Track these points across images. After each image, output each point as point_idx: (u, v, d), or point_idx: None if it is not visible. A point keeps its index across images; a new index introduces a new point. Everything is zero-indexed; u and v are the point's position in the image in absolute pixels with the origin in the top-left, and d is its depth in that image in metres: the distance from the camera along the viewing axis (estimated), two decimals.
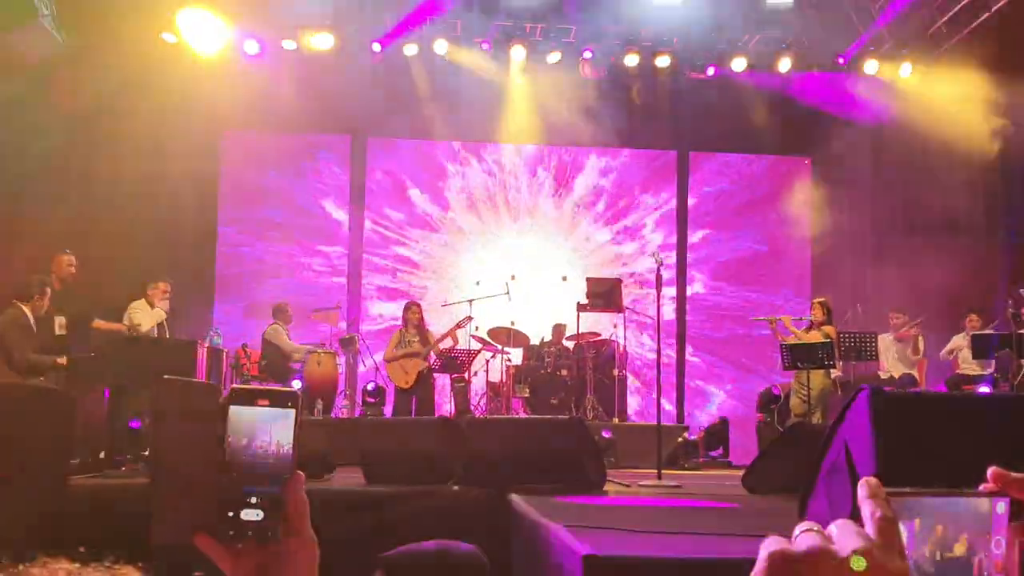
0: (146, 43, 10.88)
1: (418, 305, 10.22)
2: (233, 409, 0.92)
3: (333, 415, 10.12)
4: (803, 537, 0.66)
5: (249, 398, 0.92)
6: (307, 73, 11.52)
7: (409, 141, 12.53)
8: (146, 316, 8.57)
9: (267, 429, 0.91)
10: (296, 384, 9.86)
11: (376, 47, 11.36)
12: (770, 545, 0.66)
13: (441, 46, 11.45)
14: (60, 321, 7.65)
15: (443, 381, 10.91)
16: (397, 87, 11.74)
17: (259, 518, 0.90)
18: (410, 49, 11.49)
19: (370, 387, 10.47)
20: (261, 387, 0.97)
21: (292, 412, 0.92)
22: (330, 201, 12.45)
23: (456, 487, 5.88)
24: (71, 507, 4.96)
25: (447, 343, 10.11)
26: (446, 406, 10.77)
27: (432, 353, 10.06)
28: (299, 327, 10.69)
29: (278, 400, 0.93)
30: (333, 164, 12.48)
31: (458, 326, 10.07)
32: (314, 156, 12.43)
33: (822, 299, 9.53)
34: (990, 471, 0.72)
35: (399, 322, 10.41)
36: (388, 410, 10.27)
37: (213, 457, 0.91)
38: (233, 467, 0.90)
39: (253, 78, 11.40)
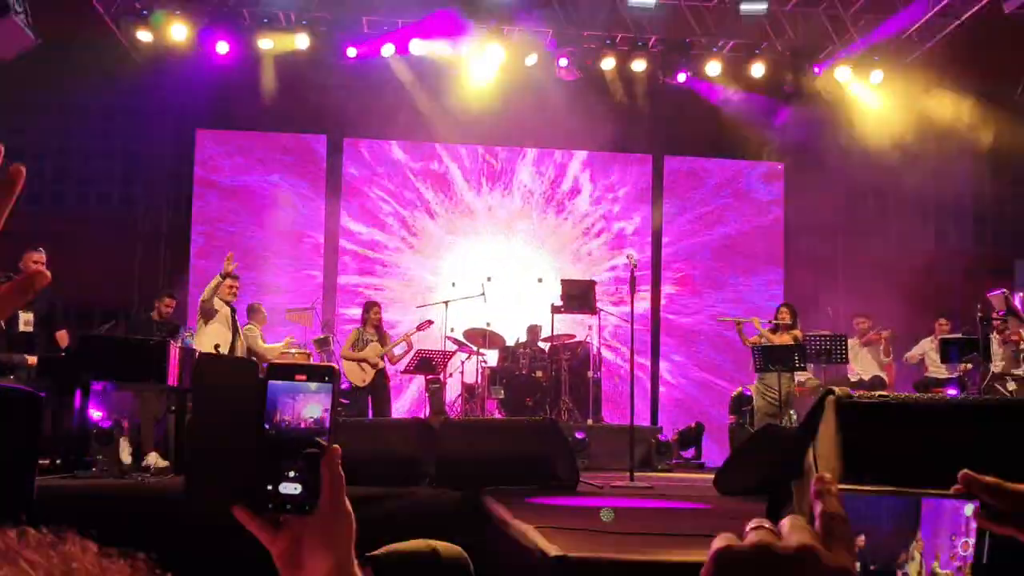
0: (117, 41, 10.79)
1: (379, 305, 10.15)
2: (271, 384, 0.93)
3: None
4: (751, 534, 0.67)
5: (287, 373, 0.93)
6: (283, 72, 11.49)
7: (386, 142, 12.50)
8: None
9: (304, 403, 0.93)
10: None
11: (351, 51, 11.30)
12: (718, 542, 0.67)
13: (417, 46, 11.44)
14: (26, 318, 7.56)
15: (418, 382, 10.89)
16: (374, 87, 11.72)
17: (297, 491, 0.90)
18: (387, 49, 11.46)
19: (344, 387, 10.43)
20: (299, 362, 0.98)
21: (329, 387, 0.94)
22: (305, 201, 12.40)
23: (429, 488, 5.89)
24: (36, 509, 4.91)
25: (402, 347, 10.03)
26: (422, 408, 10.76)
27: (391, 353, 9.98)
28: (275, 327, 10.63)
29: (315, 375, 0.94)
30: (308, 163, 12.43)
31: (417, 329, 10.01)
32: (289, 155, 12.37)
33: (789, 303, 9.69)
34: (960, 474, 0.73)
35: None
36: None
37: (251, 431, 0.92)
38: (271, 441, 0.92)
39: (227, 77, 11.35)
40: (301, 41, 11.29)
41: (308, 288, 12.03)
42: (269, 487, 0.90)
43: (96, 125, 11.72)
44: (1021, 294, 8.79)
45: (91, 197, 12.25)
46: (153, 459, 7.50)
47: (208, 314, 8.59)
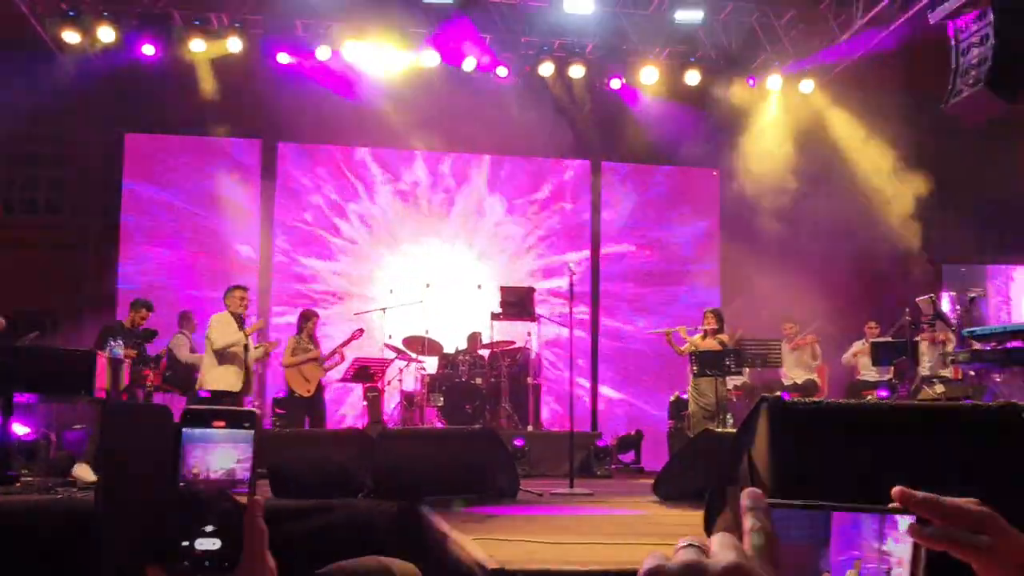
0: (43, 42, 10.49)
1: (317, 316, 9.98)
2: (187, 432, 0.87)
3: None
4: (680, 553, 0.66)
5: (203, 419, 0.87)
6: (216, 76, 11.28)
7: (322, 147, 12.35)
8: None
9: (223, 452, 0.87)
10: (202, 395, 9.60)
11: (282, 57, 11.14)
12: (648, 561, 0.66)
13: (351, 50, 11.33)
14: None
15: (357, 391, 10.75)
16: (309, 91, 11.57)
17: (216, 547, 0.85)
18: (322, 52, 11.33)
19: (280, 399, 10.24)
20: (217, 408, 0.91)
21: (250, 433, 0.88)
22: (239, 207, 12.18)
23: (367, 500, 5.79)
24: None
25: (334, 359, 9.89)
26: (361, 417, 10.62)
27: (325, 364, 9.83)
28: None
29: (234, 420, 0.88)
30: (242, 168, 12.21)
31: (349, 340, 9.88)
32: (222, 160, 12.13)
33: (715, 308, 9.84)
34: (895, 490, 0.72)
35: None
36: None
37: (165, 483, 0.86)
38: (187, 493, 0.86)
39: (157, 79, 11.11)
40: (233, 44, 11.10)
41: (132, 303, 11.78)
42: (185, 543, 0.84)
43: (21, 128, 11.36)
44: (951, 295, 9.01)
45: (16, 203, 11.88)
46: (82, 472, 7.26)
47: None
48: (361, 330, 9.99)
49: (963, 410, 3.23)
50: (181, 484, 0.86)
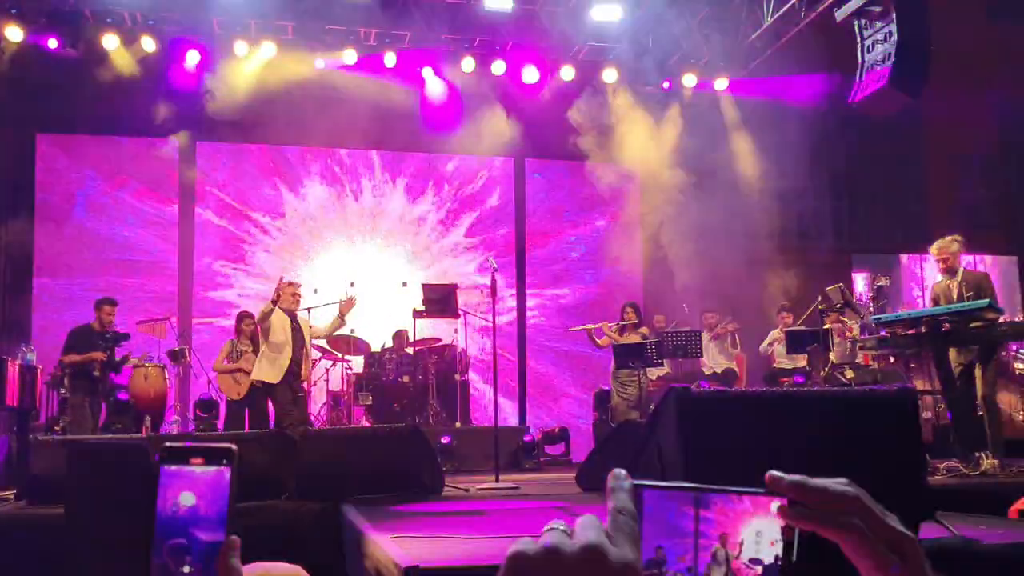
0: None
1: (252, 316, 9.84)
2: (164, 469, 0.87)
3: (163, 431, 9.69)
4: (544, 536, 0.67)
5: (181, 456, 0.86)
6: (131, 74, 11.02)
7: (241, 146, 12.15)
8: None
9: (200, 490, 0.85)
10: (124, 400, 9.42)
11: (193, 56, 10.91)
12: (513, 546, 0.67)
13: (269, 48, 11.18)
14: None
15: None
16: (228, 90, 11.37)
17: None
18: (240, 48, 11.15)
19: (202, 401, 10.08)
20: (194, 444, 0.90)
21: (227, 471, 0.86)
22: (159, 207, 11.92)
23: (289, 502, 5.76)
24: None
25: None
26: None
27: None
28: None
29: (212, 457, 0.87)
30: (160, 168, 11.93)
31: None
32: (139, 160, 11.84)
33: (633, 302, 10.02)
34: (767, 476, 0.74)
35: (232, 333, 10.06)
36: (221, 424, 9.91)
37: (141, 522, 0.85)
38: (164, 532, 0.84)
39: (70, 79, 10.81)
40: (147, 44, 10.85)
41: (161, 299, 11.56)
42: None
43: None
44: (866, 276, 9.26)
45: None
46: None
47: (265, 334, 8.50)
48: None
49: (857, 395, 3.37)
50: (158, 524, 0.86)
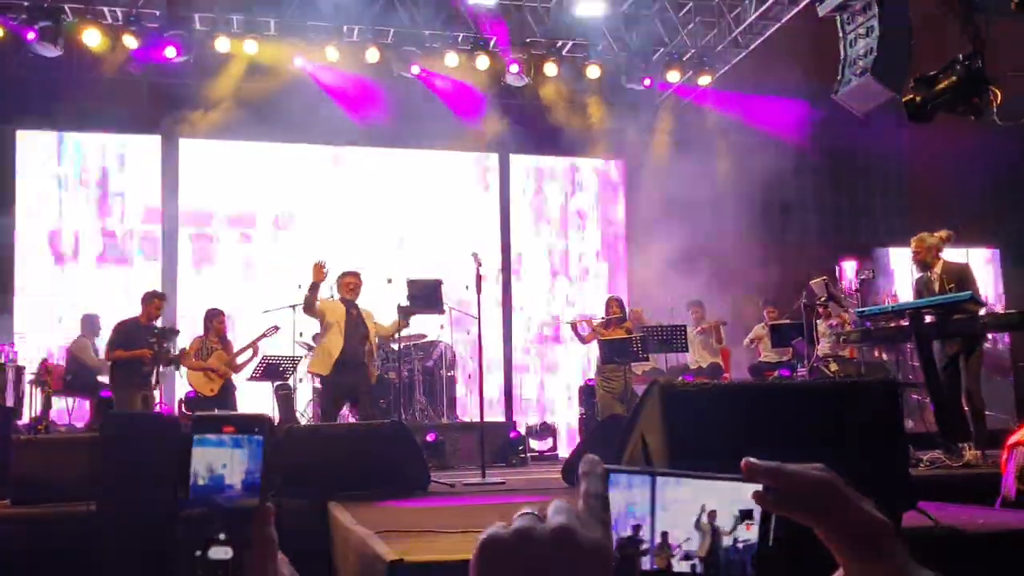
0: None
1: (223, 314, 9.75)
2: (197, 439, 0.86)
3: None
4: (516, 520, 0.69)
5: (213, 426, 0.86)
6: (113, 71, 10.96)
7: (224, 142, 12.08)
8: None
9: (234, 458, 0.85)
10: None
11: (170, 51, 10.82)
12: (485, 531, 0.68)
13: (251, 45, 11.12)
14: None
15: (267, 388, 10.58)
16: (209, 86, 11.33)
17: (228, 556, 0.83)
18: (222, 44, 11.07)
19: (188, 398, 10.01)
20: (226, 413, 0.90)
21: (259, 439, 0.86)
22: (140, 205, 11.85)
23: (275, 499, 5.74)
24: None
25: (247, 355, 9.73)
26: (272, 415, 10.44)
27: (234, 362, 9.61)
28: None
29: (245, 426, 0.87)
30: (142, 164, 11.87)
31: (262, 336, 9.73)
32: (121, 156, 11.78)
33: (617, 296, 10.03)
34: (743, 462, 0.75)
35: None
36: None
37: (175, 492, 0.85)
38: (198, 502, 0.84)
39: (50, 76, 10.74)
40: (129, 40, 10.78)
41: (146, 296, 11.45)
42: (198, 552, 0.83)
43: None
44: (864, 275, 9.28)
45: None
46: None
47: (319, 319, 8.33)
48: (276, 327, 9.84)
49: (840, 386, 3.39)
50: (191, 492, 0.85)
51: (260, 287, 11.82)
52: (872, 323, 7.39)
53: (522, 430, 10.60)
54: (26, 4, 10.25)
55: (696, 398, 3.07)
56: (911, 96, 4.30)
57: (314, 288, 8.13)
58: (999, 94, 6.00)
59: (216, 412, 0.91)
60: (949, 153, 11.32)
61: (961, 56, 4.20)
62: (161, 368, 8.91)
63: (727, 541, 0.75)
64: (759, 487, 0.75)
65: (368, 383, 8.52)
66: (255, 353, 9.74)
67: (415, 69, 11.70)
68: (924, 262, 7.26)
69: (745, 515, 0.76)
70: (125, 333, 8.71)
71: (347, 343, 8.17)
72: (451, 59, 11.77)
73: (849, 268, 11.77)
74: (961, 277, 7.12)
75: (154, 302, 8.93)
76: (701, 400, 3.05)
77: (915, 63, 9.20)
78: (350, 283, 8.45)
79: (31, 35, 10.22)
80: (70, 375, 9.64)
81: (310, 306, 8.22)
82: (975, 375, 7.03)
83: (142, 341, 8.66)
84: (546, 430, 10.96)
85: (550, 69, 11.95)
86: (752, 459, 0.76)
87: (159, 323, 9.14)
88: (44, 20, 10.22)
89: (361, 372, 8.30)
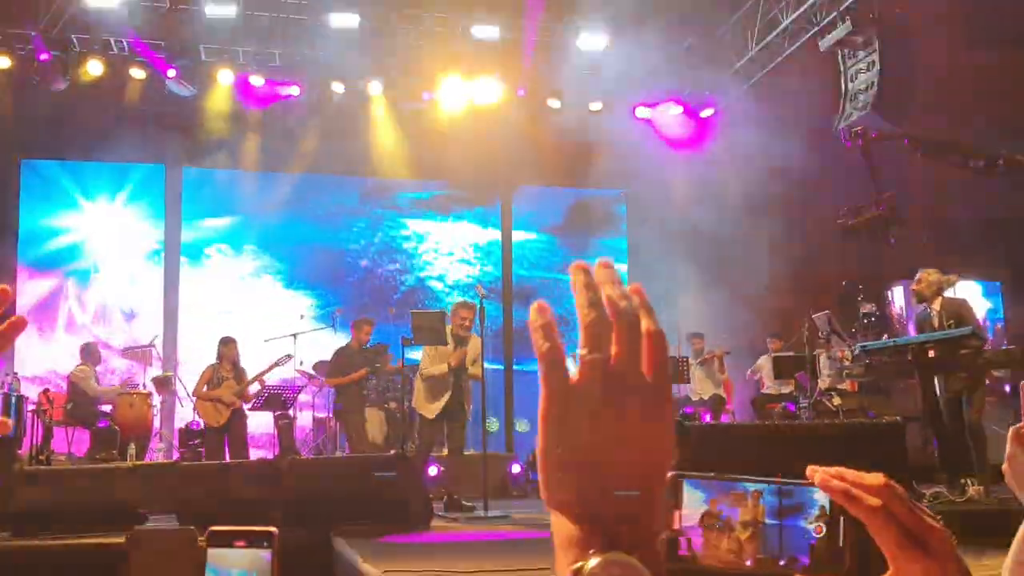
0: None
1: (235, 341, 9.74)
2: (211, 552, 0.94)
3: (148, 458, 9.60)
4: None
5: (226, 540, 0.95)
6: (118, 100, 11.03)
7: (227, 171, 12.13)
8: None
9: (244, 570, 0.93)
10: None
11: (179, 82, 10.89)
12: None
13: (256, 78, 11.20)
14: None
15: (268, 418, 10.56)
16: (210, 116, 11.40)
17: None
18: (225, 77, 11.15)
19: (189, 428, 9.99)
20: (237, 528, 0.99)
21: (269, 551, 0.94)
22: (143, 233, 11.88)
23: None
24: None
25: (257, 385, 9.69)
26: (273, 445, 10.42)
27: (246, 392, 9.60)
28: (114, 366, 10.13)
29: (255, 540, 0.94)
30: (146, 193, 11.91)
31: (274, 364, 9.72)
32: (126, 184, 11.82)
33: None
34: (808, 470, 0.79)
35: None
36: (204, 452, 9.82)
37: None
38: None
39: (56, 104, 10.80)
40: (135, 72, 10.85)
41: (147, 324, 11.48)
42: None
43: None
44: (867, 308, 9.27)
45: None
46: None
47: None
48: (288, 355, 9.86)
49: (851, 427, 3.40)
50: None
51: (261, 315, 11.83)
52: (874, 358, 7.39)
53: (522, 464, 10.54)
54: (33, 34, 10.31)
55: (710, 438, 3.08)
56: (844, 219, 4.74)
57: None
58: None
59: (229, 528, 1.00)
60: (950, 184, 11.37)
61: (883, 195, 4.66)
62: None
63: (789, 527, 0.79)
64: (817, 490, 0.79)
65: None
66: (262, 386, 9.71)
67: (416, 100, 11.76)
68: (924, 296, 7.28)
69: (811, 517, 0.79)
70: (342, 360, 9.28)
71: (454, 385, 7.71)
72: (454, 90, 11.80)
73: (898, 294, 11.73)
74: (959, 313, 7.11)
75: (364, 328, 9.38)
76: (715, 440, 3.06)
77: (916, 97, 9.31)
78: (467, 318, 7.79)
79: (39, 65, 10.30)
80: (71, 404, 9.62)
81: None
82: (978, 409, 7.02)
83: (358, 364, 9.12)
84: None
85: (553, 102, 12.01)
86: (815, 465, 0.80)
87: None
88: (52, 51, 10.28)
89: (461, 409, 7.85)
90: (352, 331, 9.48)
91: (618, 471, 0.62)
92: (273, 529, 0.99)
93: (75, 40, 10.55)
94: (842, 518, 0.79)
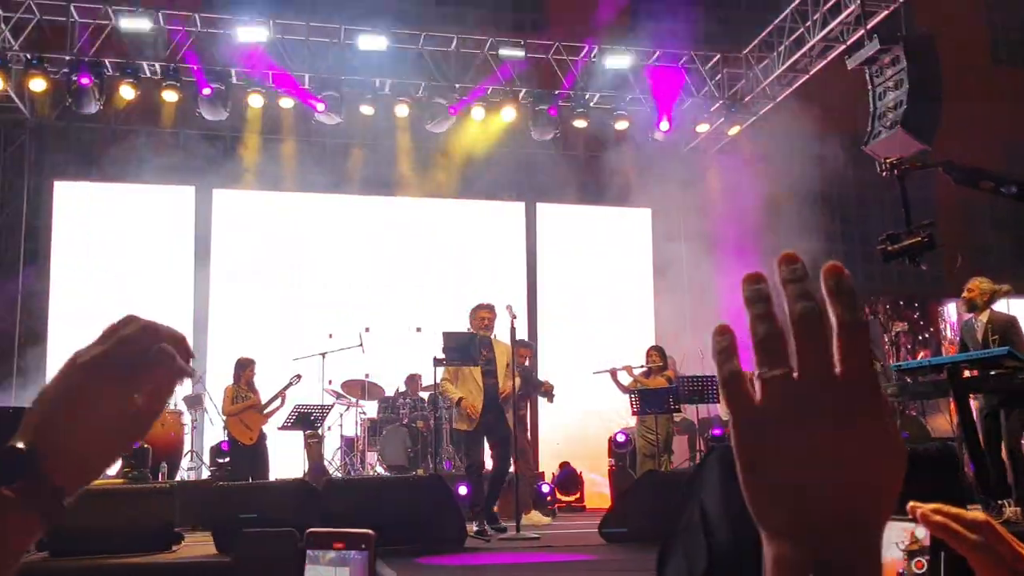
0: None
1: (254, 362, 9.83)
2: (310, 553, 0.96)
3: (180, 478, 9.66)
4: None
5: (325, 541, 0.97)
6: (151, 123, 11.19)
7: (258, 192, 12.24)
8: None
9: (343, 572, 0.95)
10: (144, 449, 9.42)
11: (211, 104, 11.02)
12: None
13: (287, 103, 11.32)
14: None
15: (296, 436, 10.60)
16: (241, 138, 11.52)
17: None
18: (255, 100, 11.27)
19: (220, 447, 10.05)
20: (336, 530, 1.00)
21: (366, 554, 0.96)
22: (174, 253, 11.97)
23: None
24: None
25: (275, 404, 9.78)
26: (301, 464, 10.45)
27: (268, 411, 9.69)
28: None
29: (353, 543, 0.96)
30: (175, 215, 12.02)
31: (288, 385, 9.78)
32: (155, 208, 11.94)
33: (657, 345, 9.93)
34: (908, 506, 0.80)
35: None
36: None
37: None
38: None
39: (90, 127, 10.96)
40: (168, 96, 10.98)
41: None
42: None
43: None
44: (899, 328, 9.22)
45: None
46: None
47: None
48: (298, 375, 9.90)
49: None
50: None
51: (290, 334, 11.89)
52: (909, 377, 7.33)
53: (551, 484, 10.52)
54: (68, 58, 10.47)
55: None
56: (883, 246, 4.80)
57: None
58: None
59: (328, 529, 1.02)
60: (980, 202, 11.33)
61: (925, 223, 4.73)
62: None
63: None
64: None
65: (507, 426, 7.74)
66: (282, 403, 9.78)
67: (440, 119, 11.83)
68: (973, 304, 7.17)
69: (913, 553, 0.83)
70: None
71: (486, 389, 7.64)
72: (477, 112, 11.87)
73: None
74: (1007, 330, 6.99)
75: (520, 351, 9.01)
76: None
77: (944, 114, 9.27)
78: (486, 317, 7.82)
79: (74, 88, 10.45)
80: None
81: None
82: (1015, 431, 6.94)
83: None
84: (573, 481, 10.89)
85: (579, 122, 12.05)
86: (915, 502, 0.81)
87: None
88: (86, 74, 10.42)
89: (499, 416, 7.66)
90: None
91: (827, 497, 0.55)
92: (371, 532, 1.01)
93: (108, 64, 10.70)
94: (943, 553, 0.82)
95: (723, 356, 0.60)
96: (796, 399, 0.56)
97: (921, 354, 10.93)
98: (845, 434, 0.55)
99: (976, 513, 0.82)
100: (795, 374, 0.57)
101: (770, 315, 0.59)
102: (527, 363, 9.26)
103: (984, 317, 7.10)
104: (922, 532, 0.83)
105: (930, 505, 0.83)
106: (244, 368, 9.67)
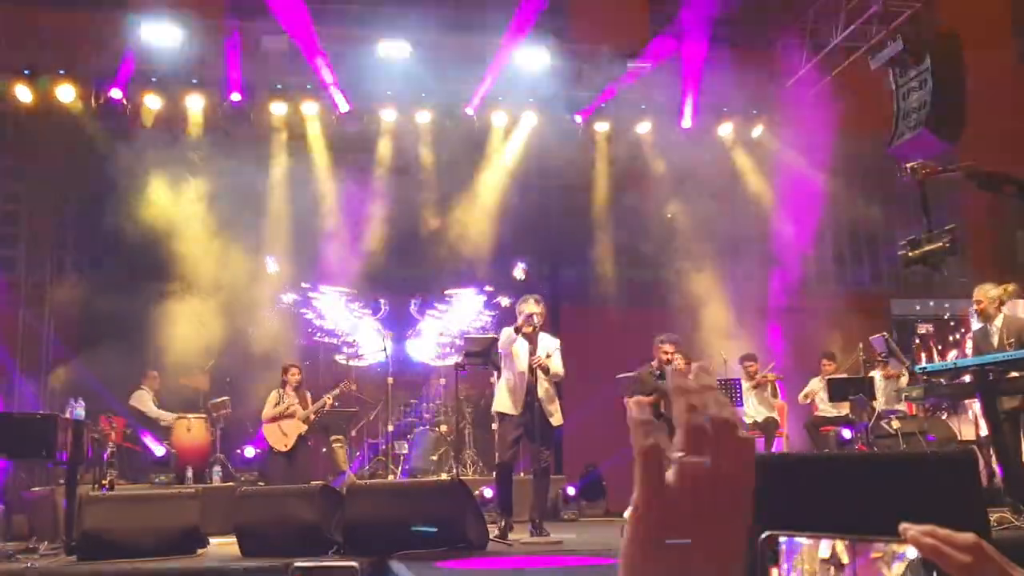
0: None
1: (296, 367, 9.92)
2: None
3: (206, 484, 9.74)
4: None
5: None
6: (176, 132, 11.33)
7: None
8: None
9: None
10: (160, 450, 9.57)
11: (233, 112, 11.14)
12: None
13: (310, 107, 11.42)
14: None
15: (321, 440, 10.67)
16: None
17: None
18: (277, 108, 11.37)
19: (247, 453, 10.13)
20: (320, 564, 1.02)
21: None
22: None
23: (336, 556, 5.77)
24: None
25: (313, 413, 9.85)
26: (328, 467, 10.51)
27: (311, 416, 9.77)
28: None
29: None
30: None
31: (339, 391, 9.86)
32: None
33: (681, 349, 9.89)
34: (901, 528, 0.80)
35: (276, 383, 10.09)
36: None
37: None
38: None
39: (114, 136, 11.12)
40: (193, 105, 11.11)
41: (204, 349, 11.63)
42: None
43: None
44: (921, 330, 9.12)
45: None
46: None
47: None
48: (349, 381, 10.00)
49: (924, 456, 3.36)
50: None
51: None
52: (933, 379, 7.26)
53: (575, 486, 10.49)
54: (94, 70, 10.66)
55: (785, 468, 3.07)
56: (904, 251, 4.76)
57: (517, 331, 7.40)
58: None
59: (312, 564, 1.04)
60: (1004, 204, 11.18)
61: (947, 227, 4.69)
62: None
63: None
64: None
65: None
66: (329, 406, 9.89)
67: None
68: (988, 314, 7.14)
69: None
70: (637, 384, 9.20)
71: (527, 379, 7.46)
72: (498, 118, 11.93)
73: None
74: (1022, 332, 6.96)
75: (661, 347, 9.10)
76: (790, 470, 3.05)
77: (968, 114, 9.16)
78: (532, 314, 7.51)
79: (101, 100, 10.65)
80: (130, 428, 9.81)
81: (507, 344, 7.45)
82: None
83: (648, 388, 8.88)
84: (597, 485, 10.85)
85: (600, 126, 12.05)
86: (906, 523, 0.82)
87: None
88: (112, 86, 10.58)
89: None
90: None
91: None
92: (354, 564, 1.02)
93: (134, 74, 10.84)
94: (934, 573, 0.82)
95: (644, 429, 0.65)
96: (706, 489, 0.63)
97: (950, 355, 10.80)
98: (724, 529, 0.63)
99: (967, 535, 0.81)
100: (711, 467, 0.63)
101: (699, 409, 0.65)
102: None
103: (998, 322, 7.05)
104: (912, 553, 0.84)
105: (923, 527, 0.83)
106: (286, 373, 9.80)
